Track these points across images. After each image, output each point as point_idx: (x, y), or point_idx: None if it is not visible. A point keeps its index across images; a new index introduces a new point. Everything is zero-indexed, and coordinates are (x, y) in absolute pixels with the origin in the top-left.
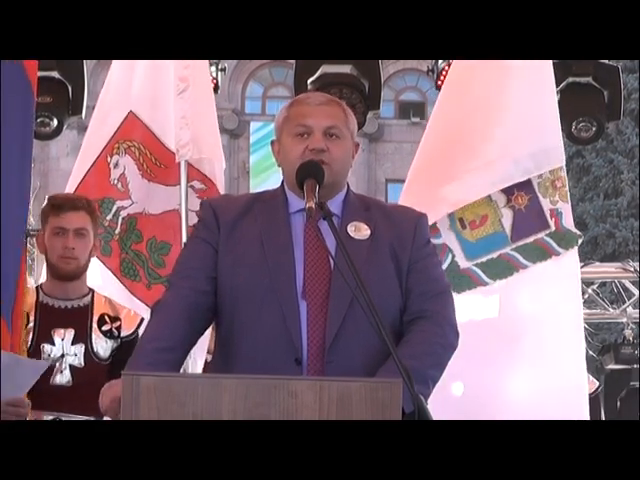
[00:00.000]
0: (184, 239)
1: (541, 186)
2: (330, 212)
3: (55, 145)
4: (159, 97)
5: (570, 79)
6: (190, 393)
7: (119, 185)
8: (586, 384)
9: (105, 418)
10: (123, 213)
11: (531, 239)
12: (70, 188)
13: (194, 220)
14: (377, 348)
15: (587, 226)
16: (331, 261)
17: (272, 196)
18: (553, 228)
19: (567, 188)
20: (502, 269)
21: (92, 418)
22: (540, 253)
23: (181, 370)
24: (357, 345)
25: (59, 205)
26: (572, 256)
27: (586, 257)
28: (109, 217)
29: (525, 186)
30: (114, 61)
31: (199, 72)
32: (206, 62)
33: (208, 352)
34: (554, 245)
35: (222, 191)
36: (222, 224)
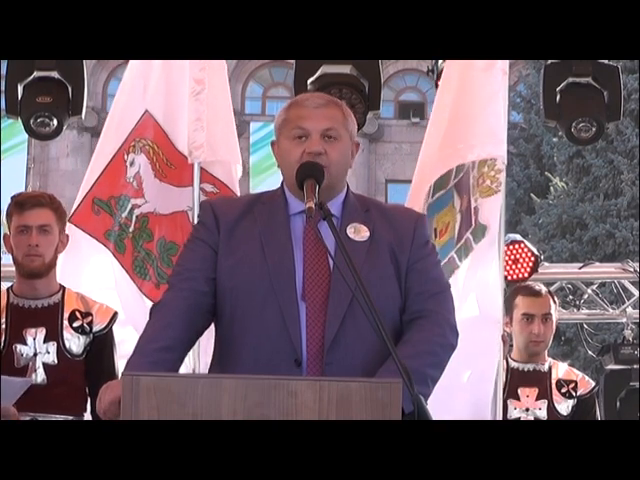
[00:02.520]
0: None
1: (472, 186)
2: (330, 212)
3: (55, 145)
4: (173, 98)
5: (570, 79)
6: (190, 393)
7: (134, 183)
8: (492, 377)
9: (87, 417)
10: (137, 211)
11: (463, 239)
12: (87, 185)
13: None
14: (376, 349)
15: (587, 226)
16: (331, 262)
17: (272, 197)
18: (473, 225)
19: (490, 183)
20: (448, 272)
21: (69, 417)
22: (465, 250)
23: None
24: (356, 347)
25: (22, 203)
26: (485, 247)
27: (586, 257)
28: (124, 215)
29: (465, 188)
30: (130, 61)
31: (216, 74)
32: (223, 65)
33: None
34: (472, 241)
35: (238, 193)
36: (222, 225)
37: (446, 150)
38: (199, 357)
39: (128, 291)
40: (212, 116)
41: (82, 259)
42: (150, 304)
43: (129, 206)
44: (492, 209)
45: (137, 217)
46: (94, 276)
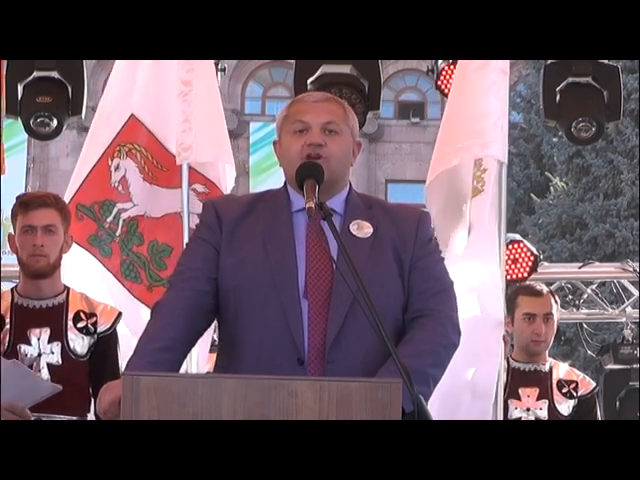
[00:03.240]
0: (186, 241)
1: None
2: (330, 212)
3: (55, 145)
4: (161, 100)
5: (570, 79)
6: (190, 393)
7: (120, 188)
8: (495, 377)
9: (90, 418)
10: (124, 215)
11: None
12: (70, 191)
13: (196, 223)
14: (378, 348)
15: (587, 226)
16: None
17: (274, 195)
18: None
19: (476, 183)
20: None
21: (73, 418)
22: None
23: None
24: (358, 345)
25: (27, 203)
26: (472, 247)
27: (586, 257)
28: (109, 219)
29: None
30: (115, 64)
31: (204, 75)
32: (212, 66)
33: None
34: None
35: (227, 193)
36: (224, 224)
37: (437, 153)
38: (190, 359)
39: (116, 294)
40: (201, 117)
41: (65, 265)
42: (142, 306)
43: (115, 211)
44: (477, 209)
45: (124, 221)
46: (79, 281)
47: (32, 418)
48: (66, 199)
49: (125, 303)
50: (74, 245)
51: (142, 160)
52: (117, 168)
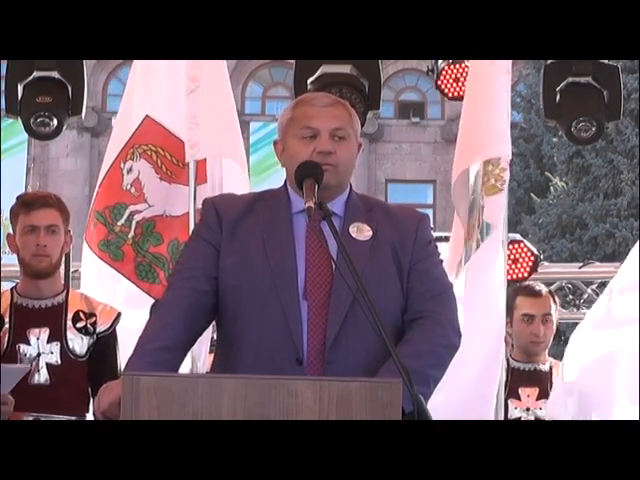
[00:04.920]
0: None
1: (479, 185)
2: (329, 212)
3: (55, 145)
4: (176, 98)
5: (570, 79)
6: (190, 393)
7: (132, 190)
8: (497, 376)
9: (89, 418)
10: (137, 217)
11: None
12: (92, 199)
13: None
14: (378, 349)
15: (587, 226)
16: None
17: (274, 195)
18: (479, 224)
19: (494, 181)
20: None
21: (72, 418)
22: (474, 247)
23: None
24: (358, 346)
25: (29, 203)
26: (489, 246)
27: (586, 257)
28: (120, 222)
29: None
30: (131, 70)
31: (213, 72)
32: (223, 62)
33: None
34: (479, 238)
35: (223, 191)
36: (224, 224)
37: (456, 154)
38: (196, 359)
39: (129, 296)
40: (209, 113)
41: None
42: None
43: (126, 213)
44: (496, 208)
45: (138, 223)
46: (92, 287)
47: (13, 402)
48: (89, 209)
49: (141, 305)
50: (88, 252)
51: (159, 160)
52: (130, 170)
